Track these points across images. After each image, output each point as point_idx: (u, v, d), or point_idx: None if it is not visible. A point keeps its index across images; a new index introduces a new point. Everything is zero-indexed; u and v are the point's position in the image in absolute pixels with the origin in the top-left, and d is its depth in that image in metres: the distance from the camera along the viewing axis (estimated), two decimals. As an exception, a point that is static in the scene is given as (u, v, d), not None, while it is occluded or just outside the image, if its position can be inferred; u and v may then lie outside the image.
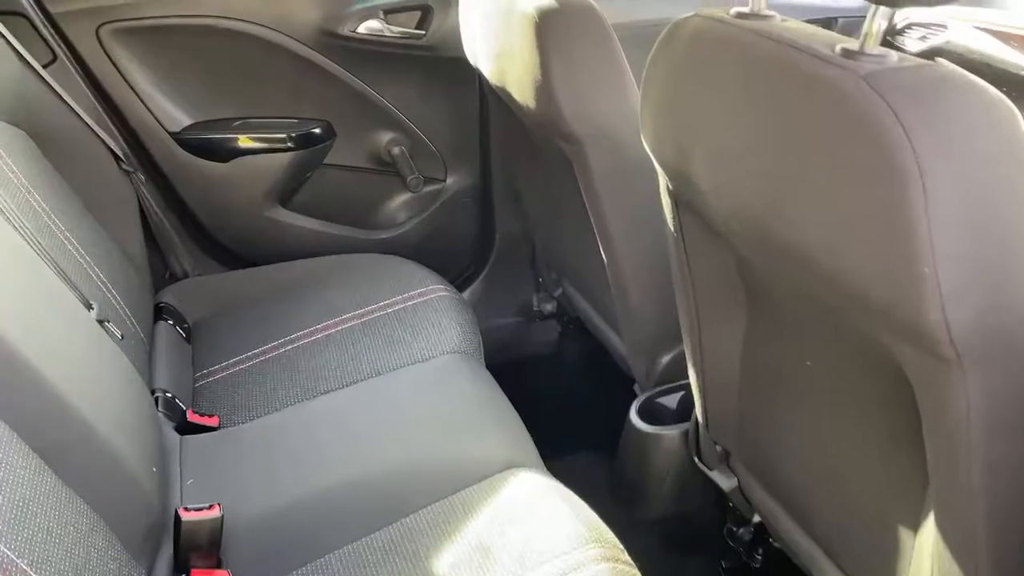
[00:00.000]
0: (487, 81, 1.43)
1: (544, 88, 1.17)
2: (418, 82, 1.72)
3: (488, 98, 1.67)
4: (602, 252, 1.31)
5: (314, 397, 1.29)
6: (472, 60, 1.48)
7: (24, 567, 0.71)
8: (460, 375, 1.30)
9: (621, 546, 0.99)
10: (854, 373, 0.83)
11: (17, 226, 1.05)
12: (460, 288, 1.89)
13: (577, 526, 0.98)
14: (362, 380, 1.31)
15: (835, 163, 0.64)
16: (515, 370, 1.52)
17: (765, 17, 0.80)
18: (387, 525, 1.02)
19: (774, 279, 0.90)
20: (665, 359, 1.37)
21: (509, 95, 1.33)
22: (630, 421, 1.34)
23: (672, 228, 1.02)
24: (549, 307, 1.90)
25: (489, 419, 1.22)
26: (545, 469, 1.13)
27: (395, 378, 1.31)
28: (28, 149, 1.29)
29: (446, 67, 1.67)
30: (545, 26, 1.15)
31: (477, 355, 1.39)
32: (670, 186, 0.97)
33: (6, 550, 0.70)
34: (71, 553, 0.79)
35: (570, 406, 1.77)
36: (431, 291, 1.50)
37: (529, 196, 1.71)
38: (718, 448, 1.19)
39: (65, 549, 0.78)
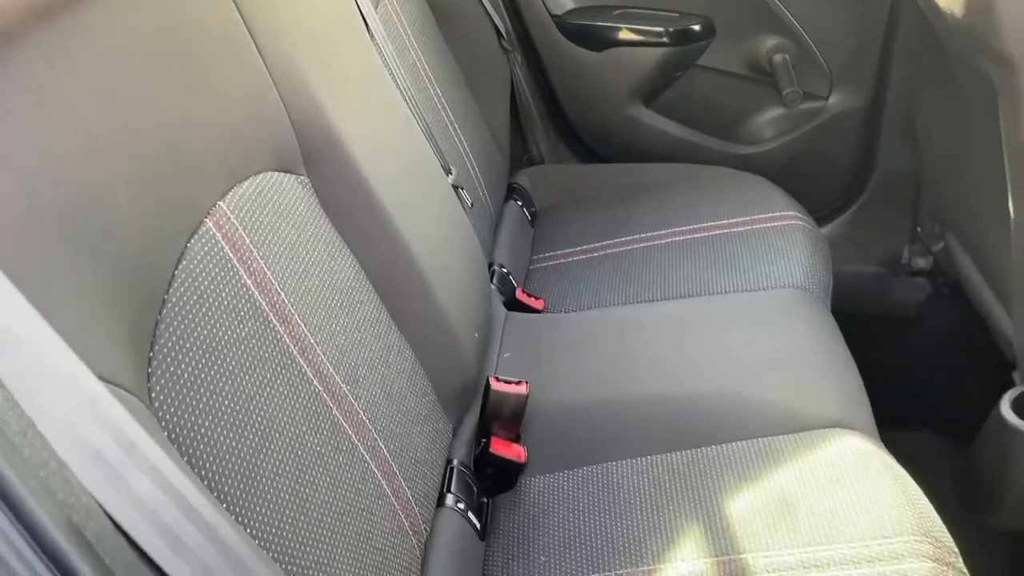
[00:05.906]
0: None
1: None
2: None
3: (902, 6, 1.43)
4: (1011, 207, 1.06)
5: (639, 302, 1.25)
6: None
7: (343, 388, 0.76)
8: (799, 313, 1.16)
9: (956, 551, 0.82)
10: None
11: (399, 83, 1.12)
12: (819, 223, 1.70)
13: (906, 512, 0.83)
14: (691, 296, 1.24)
15: None
16: (865, 326, 1.33)
17: None
18: (686, 449, 0.96)
19: None
20: None
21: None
22: (999, 412, 1.11)
23: None
24: (922, 262, 1.63)
25: (823, 367, 1.08)
26: (880, 441, 0.98)
27: (726, 301, 1.21)
28: (424, 18, 1.37)
29: None
30: None
31: (823, 296, 1.24)
32: None
33: (334, 373, 0.76)
34: (389, 385, 0.84)
35: (923, 379, 1.53)
36: (785, 217, 1.36)
37: (928, 130, 1.46)
38: None
39: (385, 382, 0.84)
